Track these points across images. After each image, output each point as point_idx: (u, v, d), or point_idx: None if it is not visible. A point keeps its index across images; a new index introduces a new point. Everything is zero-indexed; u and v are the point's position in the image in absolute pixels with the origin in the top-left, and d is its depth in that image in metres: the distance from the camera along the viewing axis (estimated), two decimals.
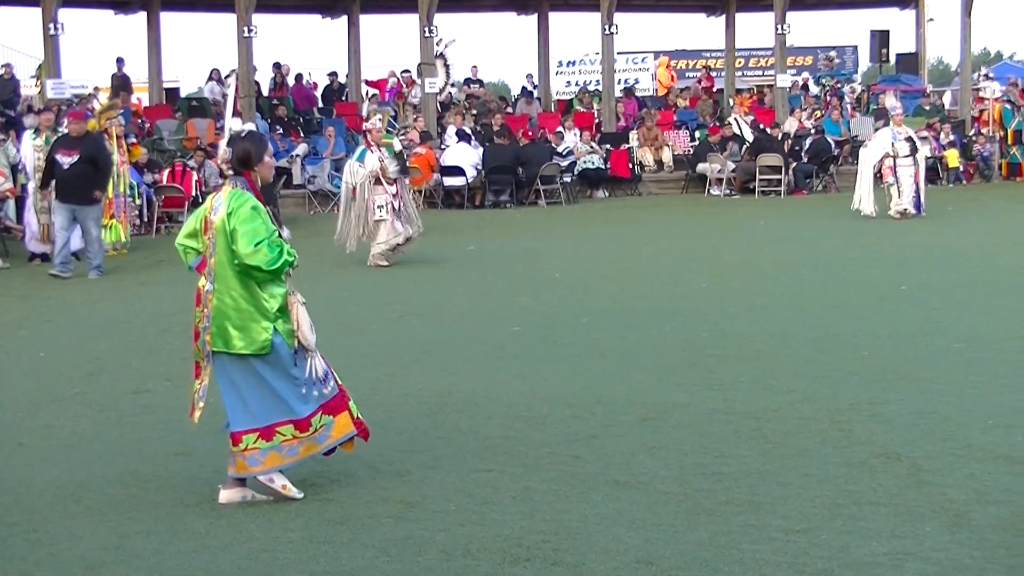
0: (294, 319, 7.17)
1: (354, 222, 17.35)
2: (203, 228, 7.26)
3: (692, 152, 30.77)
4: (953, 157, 29.68)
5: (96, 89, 29.74)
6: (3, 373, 11.14)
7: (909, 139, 22.64)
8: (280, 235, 7.19)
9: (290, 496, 7.16)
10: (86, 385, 10.49)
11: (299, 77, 34.04)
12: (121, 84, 31.11)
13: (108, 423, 9.18)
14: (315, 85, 35.11)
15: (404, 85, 32.83)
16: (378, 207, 17.25)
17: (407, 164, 20.69)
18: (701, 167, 29.79)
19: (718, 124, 32.15)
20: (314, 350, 7.25)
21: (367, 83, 34.31)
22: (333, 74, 34.94)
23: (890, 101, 24.04)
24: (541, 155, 28.36)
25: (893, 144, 22.35)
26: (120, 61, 31.90)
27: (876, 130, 30.20)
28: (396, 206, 17.43)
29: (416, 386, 9.89)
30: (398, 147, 22.16)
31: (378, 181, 17.27)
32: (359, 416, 7.43)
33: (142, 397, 9.97)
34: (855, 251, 18.31)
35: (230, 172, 7.39)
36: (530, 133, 30.64)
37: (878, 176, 22.53)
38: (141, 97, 33.26)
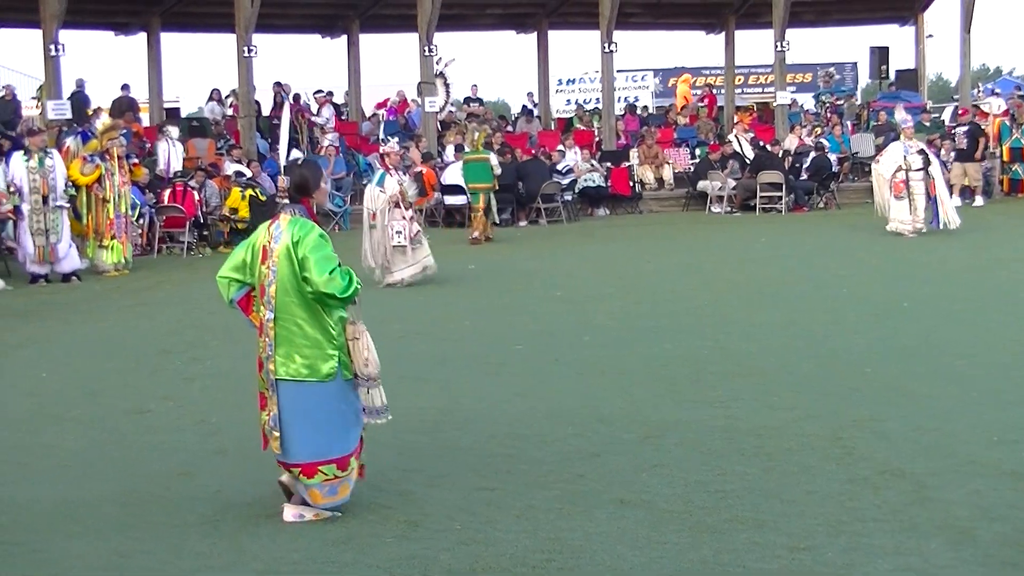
0: (363, 346, 7.20)
1: (375, 248, 17.21)
2: (261, 257, 7.25)
3: (692, 170, 30.78)
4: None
5: (98, 109, 29.75)
6: (4, 393, 11.12)
7: (922, 152, 22.23)
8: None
9: (324, 517, 7.18)
10: (86, 405, 10.47)
11: (296, 97, 34.00)
12: (128, 106, 31.08)
13: (108, 443, 9.16)
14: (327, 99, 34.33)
15: (318, 104, 32.71)
16: (396, 232, 17.15)
17: (424, 187, 21.20)
18: (701, 185, 29.79)
19: (718, 142, 32.17)
20: (377, 380, 7.29)
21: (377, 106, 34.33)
22: (330, 94, 34.94)
23: (900, 115, 23.69)
24: (542, 173, 28.39)
25: (905, 157, 21.78)
26: (126, 87, 31.99)
27: (877, 146, 30.24)
28: (414, 231, 17.37)
29: (417, 404, 9.87)
30: (495, 161, 22.95)
31: (397, 205, 17.19)
32: (362, 463, 7.47)
33: (142, 417, 9.95)
34: (855, 267, 18.29)
35: (285, 200, 7.45)
36: (532, 151, 30.66)
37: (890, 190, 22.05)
38: (141, 117, 33.28)
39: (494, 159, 23.63)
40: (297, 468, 7.15)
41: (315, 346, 7.12)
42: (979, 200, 28.56)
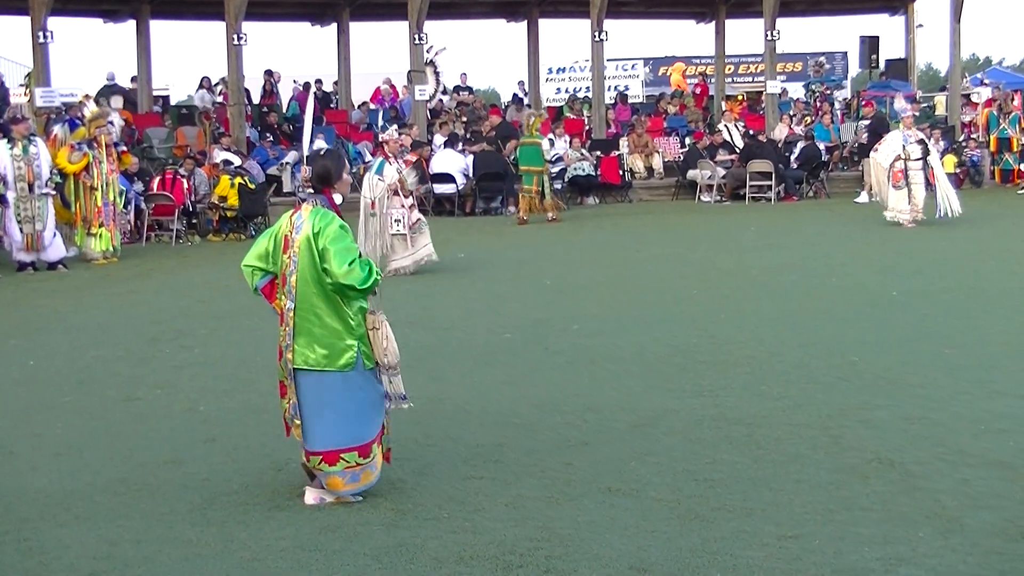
0: (382, 336, 7.26)
1: (374, 238, 17.07)
2: (283, 246, 7.28)
3: (682, 158, 30.78)
4: (949, 163, 29.68)
5: (86, 97, 29.67)
6: None
7: (921, 142, 22.05)
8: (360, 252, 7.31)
9: (347, 500, 7.25)
10: (76, 394, 10.46)
11: (307, 85, 33.85)
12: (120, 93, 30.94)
13: (98, 431, 9.15)
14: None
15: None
16: (395, 221, 17.06)
17: (424, 174, 21.60)
18: (691, 173, 29.80)
19: (705, 130, 32.19)
20: (396, 369, 7.34)
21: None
22: (318, 82, 34.87)
23: (899, 103, 23.59)
24: (512, 133, 29.21)
25: (904, 147, 21.65)
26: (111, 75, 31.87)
27: (866, 135, 30.22)
28: (413, 219, 17.31)
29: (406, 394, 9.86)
30: (547, 145, 24.30)
31: (396, 193, 17.11)
32: (388, 447, 7.54)
33: (132, 405, 9.94)
34: (845, 257, 18.32)
35: (309, 190, 7.52)
36: (497, 109, 30.80)
37: (888, 180, 21.75)
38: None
39: (546, 143, 25.15)
40: (318, 456, 7.21)
41: (334, 336, 7.16)
42: (863, 197, 27.38)
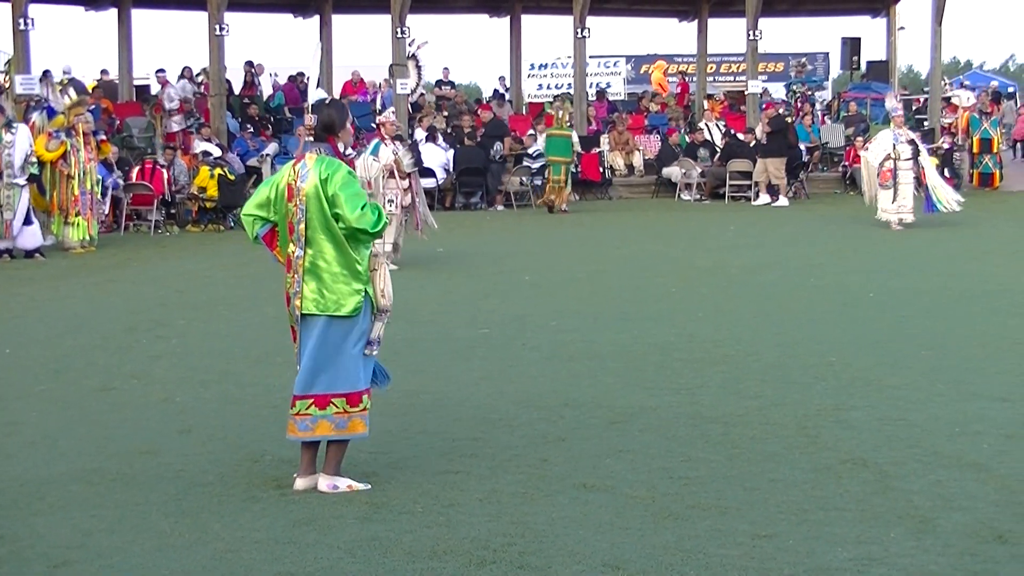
0: (380, 277, 7.36)
1: None
2: (287, 195, 7.32)
3: (656, 156, 30.76)
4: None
5: (65, 85, 29.50)
6: None
7: (911, 142, 21.99)
8: None
9: (358, 489, 7.30)
10: (52, 382, 10.43)
11: (292, 78, 33.88)
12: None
13: (73, 420, 9.12)
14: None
15: (160, 84, 31.88)
16: (388, 201, 17.05)
17: (421, 158, 22.07)
18: (666, 171, 29.77)
19: (684, 128, 32.23)
20: (388, 312, 7.41)
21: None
22: (300, 74, 34.80)
23: (890, 103, 23.42)
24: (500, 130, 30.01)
25: (895, 146, 21.56)
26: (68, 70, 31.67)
27: (847, 137, 30.32)
28: (407, 202, 17.32)
29: (383, 387, 9.85)
30: (575, 138, 26.34)
31: (391, 175, 17.08)
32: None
33: (108, 395, 9.91)
34: (824, 257, 18.37)
35: (310, 139, 7.55)
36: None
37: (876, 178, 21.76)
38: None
39: (575, 136, 26.64)
40: (308, 400, 7.27)
41: (343, 282, 7.21)
42: (782, 200, 27.82)
